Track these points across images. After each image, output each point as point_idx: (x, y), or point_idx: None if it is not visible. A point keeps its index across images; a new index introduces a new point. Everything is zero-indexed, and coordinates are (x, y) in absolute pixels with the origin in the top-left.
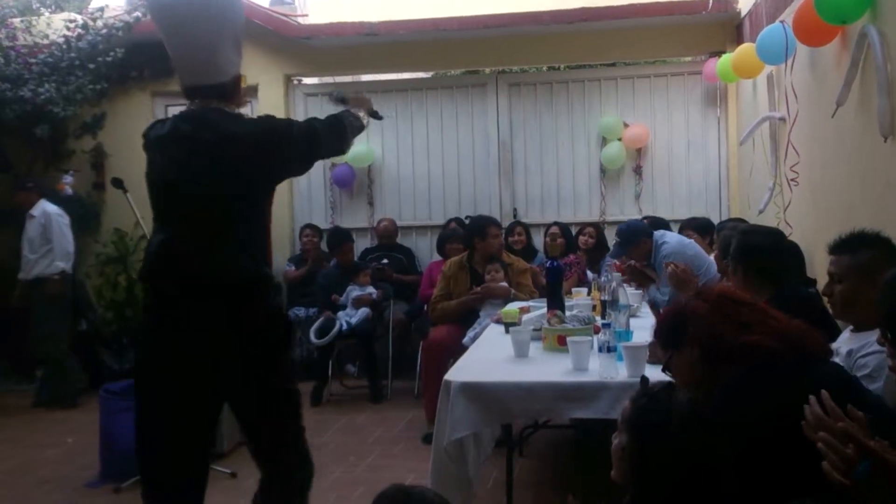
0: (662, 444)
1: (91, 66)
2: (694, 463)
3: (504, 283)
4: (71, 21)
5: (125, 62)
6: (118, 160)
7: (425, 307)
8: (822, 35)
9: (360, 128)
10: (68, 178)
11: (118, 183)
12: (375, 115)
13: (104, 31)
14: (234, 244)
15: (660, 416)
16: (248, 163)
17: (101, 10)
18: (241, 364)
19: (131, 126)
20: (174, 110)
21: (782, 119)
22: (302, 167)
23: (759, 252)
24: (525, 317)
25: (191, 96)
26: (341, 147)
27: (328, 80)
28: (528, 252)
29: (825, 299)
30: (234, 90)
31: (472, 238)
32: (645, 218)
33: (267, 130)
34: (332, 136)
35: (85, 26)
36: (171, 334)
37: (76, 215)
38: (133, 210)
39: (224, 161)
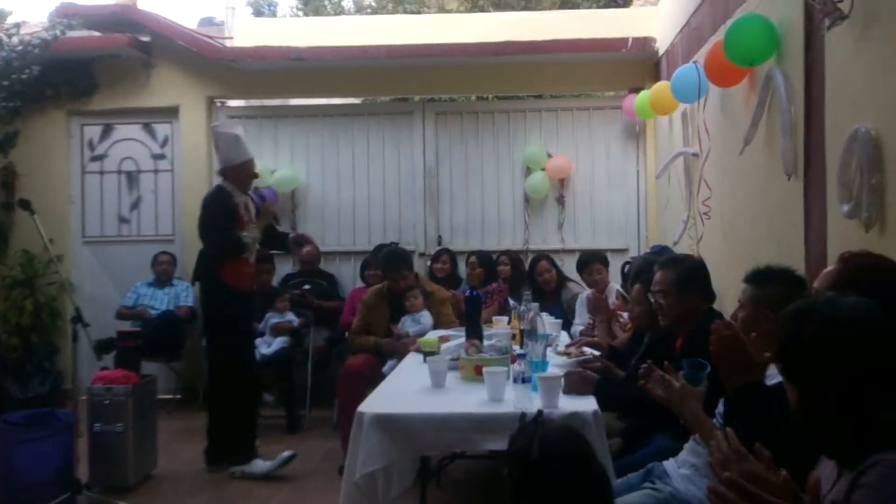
0: (525, 469)
1: (4, 82)
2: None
3: (415, 331)
4: None
5: (41, 80)
6: (30, 180)
7: (346, 334)
8: (731, 76)
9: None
10: None
11: (25, 204)
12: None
13: (20, 47)
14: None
15: (523, 442)
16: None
17: (18, 26)
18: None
19: (45, 145)
20: (90, 130)
21: (695, 155)
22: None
23: (700, 277)
24: (444, 346)
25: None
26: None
27: (253, 102)
28: (453, 280)
29: None
30: (225, 174)
31: (385, 272)
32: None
33: (202, 206)
34: (219, 246)
35: None
36: None
37: None
38: (40, 232)
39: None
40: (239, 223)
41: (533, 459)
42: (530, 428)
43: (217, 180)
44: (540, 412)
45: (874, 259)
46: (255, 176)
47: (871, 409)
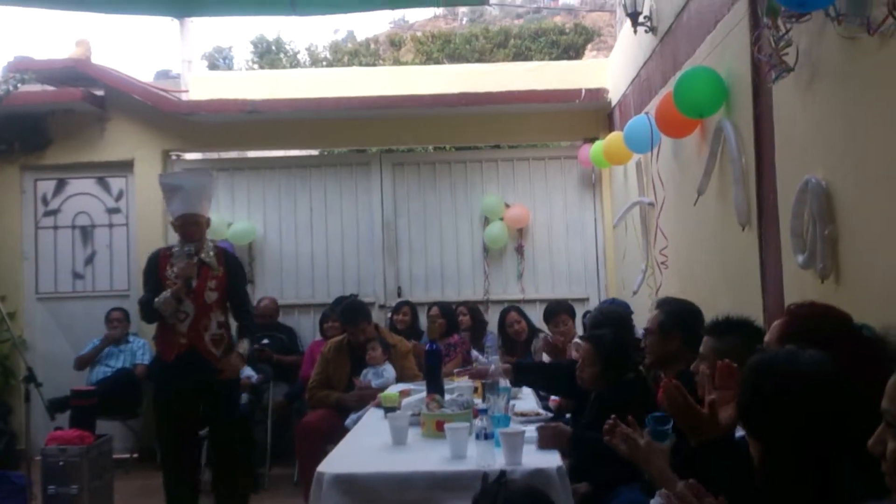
0: None
1: None
2: None
3: (377, 384)
4: None
5: None
6: None
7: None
8: (682, 127)
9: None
10: None
11: None
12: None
13: None
14: None
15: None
16: None
17: None
18: None
19: None
20: (44, 185)
21: (651, 204)
22: None
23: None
24: (405, 401)
25: None
26: (144, 318)
27: (212, 155)
28: (414, 332)
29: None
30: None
31: (345, 325)
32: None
33: None
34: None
35: None
36: None
37: None
38: None
39: None
40: (162, 284)
41: None
42: (493, 489)
43: None
44: (503, 472)
45: (819, 309)
46: (187, 235)
47: (833, 462)
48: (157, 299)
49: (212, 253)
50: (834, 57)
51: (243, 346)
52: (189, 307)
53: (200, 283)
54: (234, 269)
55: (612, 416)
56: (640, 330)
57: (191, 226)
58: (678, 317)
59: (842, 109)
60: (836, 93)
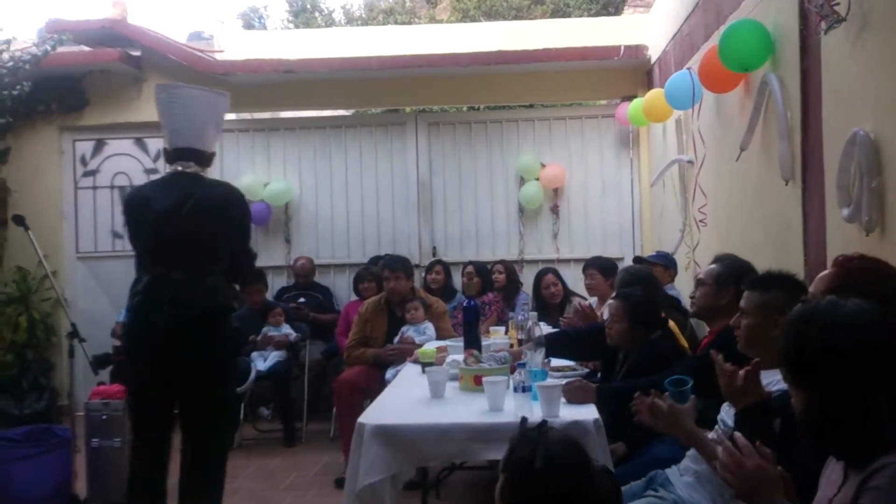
0: (527, 479)
1: None
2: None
3: (420, 341)
4: None
5: (32, 96)
6: (22, 196)
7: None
8: (726, 82)
9: None
10: None
11: (20, 220)
12: None
13: (10, 63)
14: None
15: (525, 451)
16: (221, 217)
17: (8, 42)
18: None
19: (37, 161)
20: (82, 146)
21: (690, 162)
22: (239, 244)
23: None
24: (446, 358)
25: (175, 158)
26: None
27: (245, 116)
28: (447, 291)
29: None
30: (208, 161)
31: (384, 270)
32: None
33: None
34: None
35: None
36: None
37: None
38: (35, 248)
39: (208, 212)
40: None
41: (536, 470)
42: (532, 436)
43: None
44: (544, 422)
45: (869, 262)
46: None
47: (877, 409)
48: None
49: None
50: (886, 6)
51: None
52: None
53: None
54: None
55: (637, 393)
56: (670, 288)
57: None
58: (736, 272)
59: (893, 60)
60: (888, 43)
